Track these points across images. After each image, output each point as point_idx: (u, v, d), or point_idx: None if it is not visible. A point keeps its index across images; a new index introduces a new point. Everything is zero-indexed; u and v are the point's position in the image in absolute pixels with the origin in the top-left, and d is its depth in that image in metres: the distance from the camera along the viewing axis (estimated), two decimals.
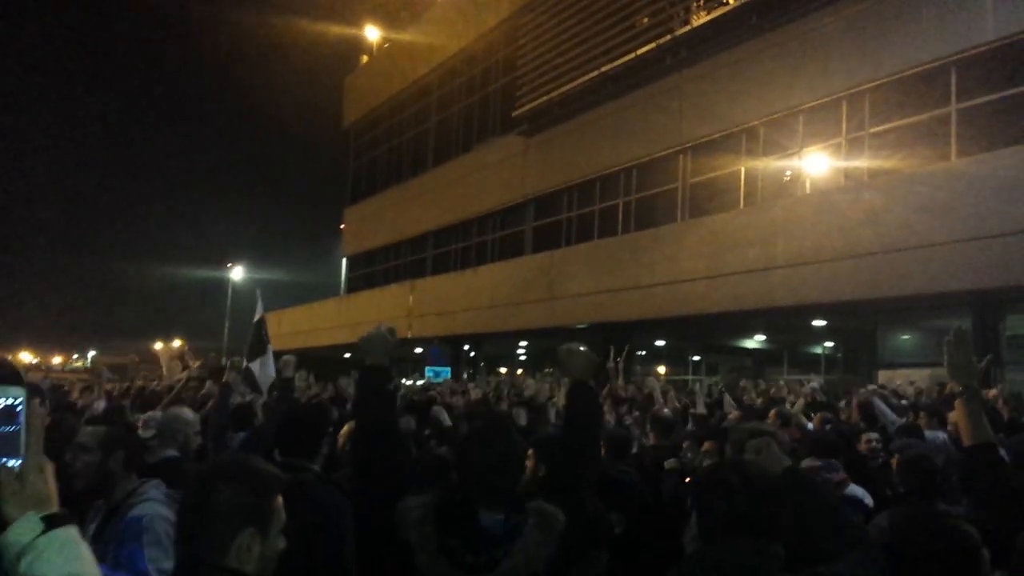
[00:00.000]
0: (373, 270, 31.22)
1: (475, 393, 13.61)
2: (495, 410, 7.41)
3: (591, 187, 19.64)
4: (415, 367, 28.26)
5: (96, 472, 3.14)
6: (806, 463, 4.43)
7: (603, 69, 17.99)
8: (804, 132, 14.33)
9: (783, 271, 13.42)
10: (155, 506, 3.01)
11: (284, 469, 3.34)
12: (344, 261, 33.87)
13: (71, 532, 1.45)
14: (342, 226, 34.07)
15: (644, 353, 22.26)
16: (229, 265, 45.07)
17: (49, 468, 1.49)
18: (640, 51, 16.96)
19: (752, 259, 13.90)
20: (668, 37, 16.26)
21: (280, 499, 1.90)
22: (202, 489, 1.86)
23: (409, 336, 24.85)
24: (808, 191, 14.28)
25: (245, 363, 9.48)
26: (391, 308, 26.15)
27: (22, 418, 1.48)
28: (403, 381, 27.96)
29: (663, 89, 16.99)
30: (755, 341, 19.68)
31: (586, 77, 18.52)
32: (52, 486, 1.48)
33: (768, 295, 13.71)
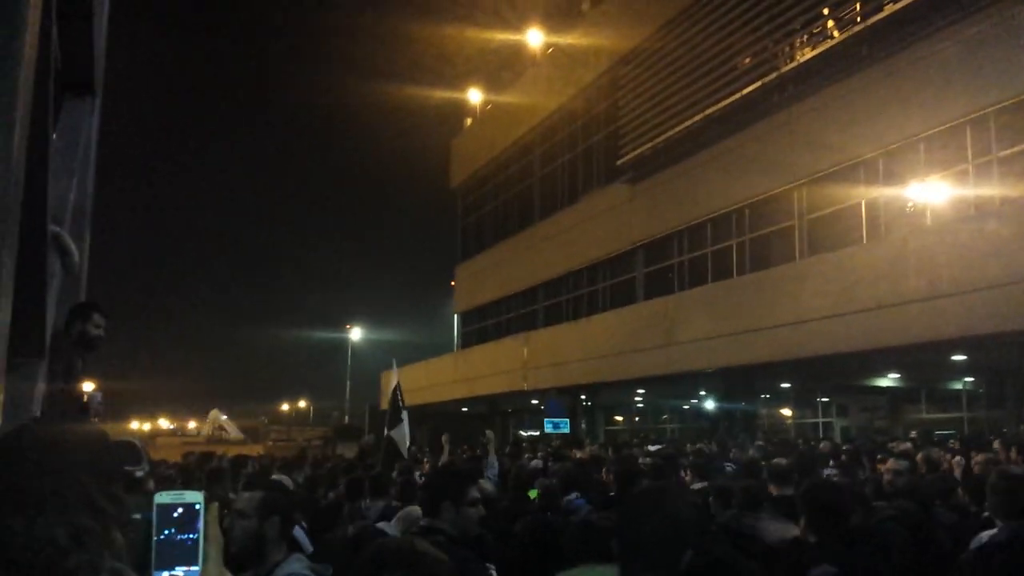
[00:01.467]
0: (485, 324, 31.65)
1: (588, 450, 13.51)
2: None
3: (702, 230, 19.45)
4: (532, 419, 28.33)
5: (252, 538, 3.17)
6: None
7: (707, 112, 17.91)
8: (925, 160, 13.83)
9: (915, 306, 12.85)
10: None
11: (423, 532, 3.50)
12: (457, 317, 34.50)
13: None
14: (453, 283, 34.79)
15: (768, 396, 21.64)
16: (348, 327, 46.58)
17: None
18: (745, 91, 16.83)
19: (881, 294, 13.39)
20: (774, 75, 16.09)
21: None
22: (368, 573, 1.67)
23: (525, 388, 24.98)
24: (934, 222, 13.72)
25: (385, 432, 9.82)
26: (506, 361, 26.39)
27: (200, 525, 1.37)
28: (521, 433, 28.13)
29: (772, 126, 16.76)
30: (889, 379, 18.80)
31: (690, 121, 18.48)
32: None
33: (900, 331, 13.14)
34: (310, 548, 4.88)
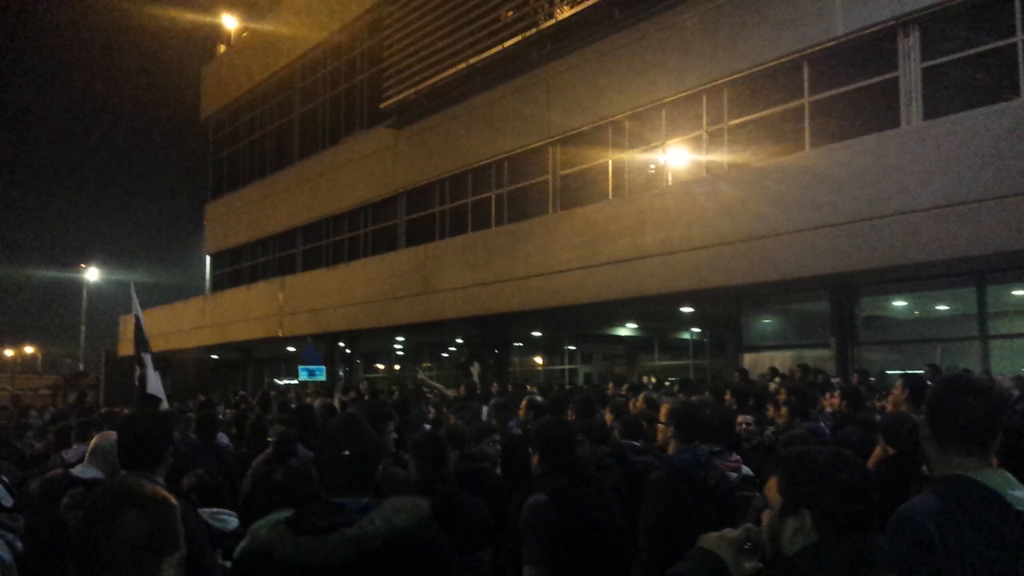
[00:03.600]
0: (239, 267, 30.09)
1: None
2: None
3: (463, 180, 19.57)
4: (288, 367, 27.51)
5: None
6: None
7: (470, 61, 17.90)
8: (667, 125, 14.73)
9: (652, 260, 13.77)
10: None
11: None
12: (207, 259, 32.50)
13: None
14: (204, 222, 32.67)
15: (521, 344, 22.47)
16: (82, 265, 42.49)
17: None
18: (506, 43, 16.96)
19: (623, 249, 14.19)
20: (533, 30, 16.33)
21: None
22: (104, 516, 1.66)
23: (280, 335, 24.14)
24: (672, 183, 14.71)
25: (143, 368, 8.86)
26: (260, 307, 25.29)
27: None
28: (276, 382, 27.26)
29: (531, 81, 17.08)
30: (627, 329, 20.16)
31: (454, 69, 18.39)
32: None
33: (638, 284, 14.04)
34: (10, 501, 4.45)
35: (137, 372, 8.87)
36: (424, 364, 25.80)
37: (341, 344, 24.12)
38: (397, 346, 26.82)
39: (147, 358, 8.74)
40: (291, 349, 25.19)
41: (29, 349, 54.12)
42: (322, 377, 21.09)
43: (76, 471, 5.38)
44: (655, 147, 15.03)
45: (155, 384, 8.61)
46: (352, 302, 21.39)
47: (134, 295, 9.84)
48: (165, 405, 8.55)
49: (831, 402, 7.86)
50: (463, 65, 18.09)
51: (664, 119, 14.73)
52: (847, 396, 7.32)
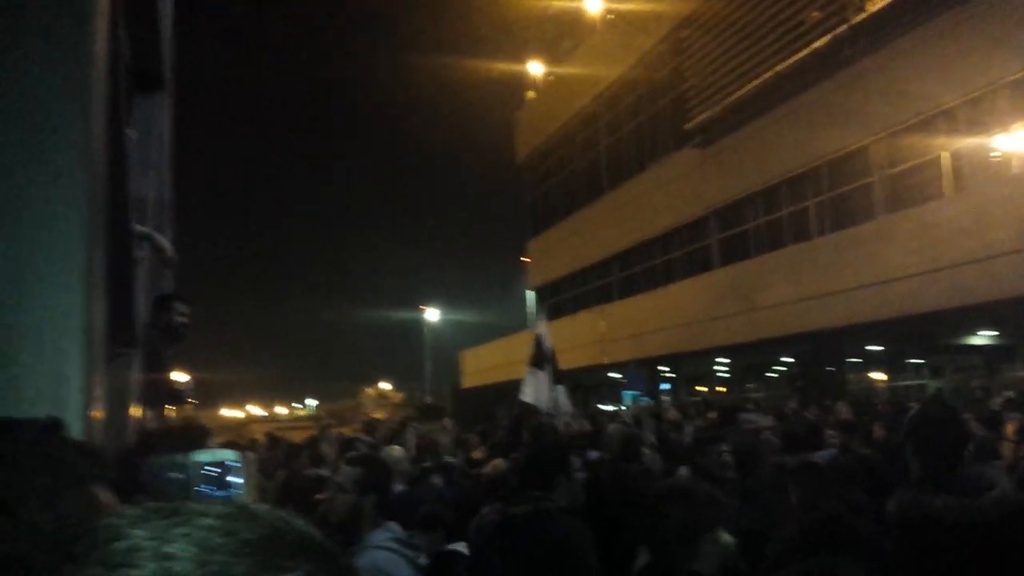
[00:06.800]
0: (560, 299, 31.58)
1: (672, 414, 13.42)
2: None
3: (776, 192, 18.98)
4: (611, 392, 28.22)
5: (349, 512, 3.28)
6: None
7: (776, 69, 17.39)
8: (1010, 107, 13.17)
9: (1005, 259, 12.32)
10: (376, 556, 2.95)
11: (526, 502, 3.52)
12: (530, 293, 34.52)
13: None
14: (525, 259, 34.79)
15: (860, 360, 21.02)
16: (421, 307, 47.15)
17: None
18: (815, 45, 16.28)
19: (969, 249, 12.86)
20: (844, 27, 15.51)
21: None
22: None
23: (604, 362, 24.90)
24: (1020, 171, 13.06)
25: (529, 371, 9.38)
26: (583, 335, 26.31)
27: (236, 480, 1.43)
28: (599, 407, 28.09)
29: (844, 80, 16.19)
30: (983, 337, 18.01)
31: (758, 80, 17.98)
32: None
33: (991, 286, 12.61)
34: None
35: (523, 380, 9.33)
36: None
37: (662, 368, 24.33)
38: (720, 368, 26.41)
39: (535, 370, 9.20)
40: (616, 375, 25.84)
41: (384, 385, 60.61)
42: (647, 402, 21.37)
43: None
44: (997, 133, 13.50)
45: (530, 391, 9.09)
46: (671, 325, 21.54)
47: (539, 309, 10.64)
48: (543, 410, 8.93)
49: None
50: (769, 74, 17.62)
51: (1006, 100, 13.19)
52: None
